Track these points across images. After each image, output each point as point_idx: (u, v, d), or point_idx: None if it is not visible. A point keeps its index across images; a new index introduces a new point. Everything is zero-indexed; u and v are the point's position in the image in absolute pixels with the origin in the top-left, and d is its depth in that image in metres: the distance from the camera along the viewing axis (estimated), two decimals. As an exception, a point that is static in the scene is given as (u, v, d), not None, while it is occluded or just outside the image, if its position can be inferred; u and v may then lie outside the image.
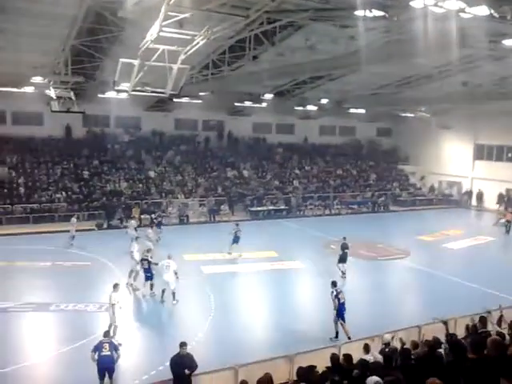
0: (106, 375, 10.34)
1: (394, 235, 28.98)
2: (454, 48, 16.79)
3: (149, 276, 17.04)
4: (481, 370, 4.83)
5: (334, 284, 14.38)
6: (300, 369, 7.60)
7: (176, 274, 16.40)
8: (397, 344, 9.67)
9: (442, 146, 43.19)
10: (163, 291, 16.41)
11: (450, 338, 7.91)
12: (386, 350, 9.02)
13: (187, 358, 9.61)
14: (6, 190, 30.44)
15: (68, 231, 24.38)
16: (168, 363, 9.76)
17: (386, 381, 5.24)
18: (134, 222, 24.59)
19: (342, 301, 13.95)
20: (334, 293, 14.01)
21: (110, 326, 10.84)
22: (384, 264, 22.97)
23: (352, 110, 38.46)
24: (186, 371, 9.36)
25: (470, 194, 42.06)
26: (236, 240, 22.75)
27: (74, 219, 25.15)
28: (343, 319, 13.84)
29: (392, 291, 19.05)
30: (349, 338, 12.94)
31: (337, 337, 13.56)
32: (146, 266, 17.10)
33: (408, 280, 20.91)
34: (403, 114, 41.54)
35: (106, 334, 10.90)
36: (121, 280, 17.62)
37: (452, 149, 42.77)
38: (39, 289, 17.78)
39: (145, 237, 21.89)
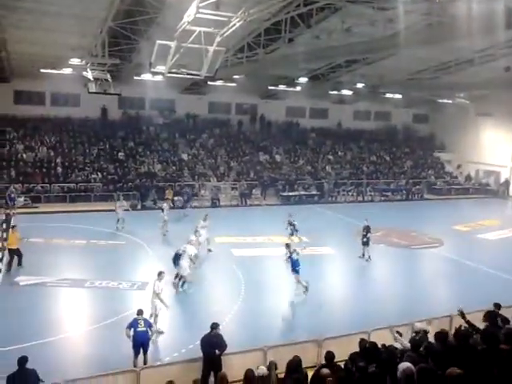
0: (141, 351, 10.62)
1: (428, 224, 28.44)
2: (500, 30, 16.15)
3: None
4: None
5: (287, 246, 16.97)
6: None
7: (192, 260, 16.41)
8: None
9: (480, 133, 41.90)
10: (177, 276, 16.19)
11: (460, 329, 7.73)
12: (417, 338, 8.91)
13: (217, 338, 9.76)
14: (44, 170, 31.33)
15: (109, 211, 24.65)
16: (198, 342, 9.94)
17: (419, 367, 5.19)
18: (166, 205, 24.62)
19: (295, 258, 16.00)
20: (288, 254, 16.37)
21: (139, 311, 11.06)
22: (416, 252, 22.64)
23: (388, 95, 37.76)
24: (217, 351, 9.51)
25: (508, 184, 40.80)
26: (294, 231, 21.92)
27: (119, 202, 24.85)
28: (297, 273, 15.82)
29: (424, 280, 18.76)
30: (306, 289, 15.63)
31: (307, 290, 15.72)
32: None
33: (440, 269, 20.55)
34: (441, 100, 40.52)
35: (140, 311, 11.16)
36: (154, 261, 18.06)
37: (491, 137, 41.41)
38: (75, 266, 18.31)
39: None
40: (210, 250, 20.17)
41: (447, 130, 44.42)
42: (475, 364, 4.87)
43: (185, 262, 16.05)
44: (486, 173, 43.03)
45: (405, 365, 5.35)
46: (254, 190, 33.19)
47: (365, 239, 20.22)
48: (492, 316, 10.46)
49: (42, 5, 18.92)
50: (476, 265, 20.20)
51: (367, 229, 20.24)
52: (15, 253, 17.16)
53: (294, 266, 15.87)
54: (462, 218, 29.32)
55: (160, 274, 13.01)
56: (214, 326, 9.90)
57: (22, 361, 8.10)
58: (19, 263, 17.18)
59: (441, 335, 7.25)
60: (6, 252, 17.51)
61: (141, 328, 10.55)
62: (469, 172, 43.50)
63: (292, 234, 21.65)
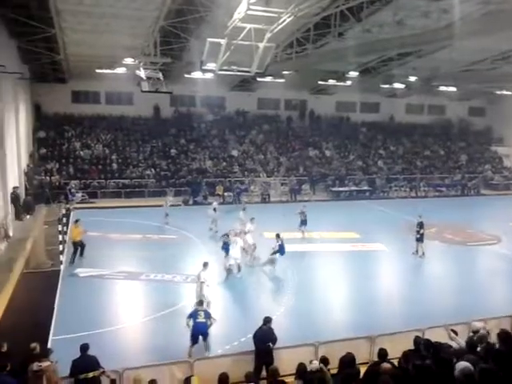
0: (199, 339, 10.90)
1: (485, 220, 27.41)
2: None
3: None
4: None
5: (277, 236, 17.66)
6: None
7: (244, 249, 17.62)
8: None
9: (542, 126, 39.87)
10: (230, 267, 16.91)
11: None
12: (475, 338, 8.65)
13: (269, 332, 9.86)
14: (100, 166, 32.51)
15: (161, 206, 25.12)
16: (249, 335, 10.07)
17: (481, 368, 5.04)
18: (216, 203, 23.99)
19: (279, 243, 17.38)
20: (279, 242, 17.41)
21: (200, 302, 11.34)
22: (473, 249, 21.89)
23: (442, 88, 36.50)
24: (270, 345, 9.61)
25: None
26: (304, 223, 22.26)
27: (169, 197, 25.58)
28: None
29: (481, 278, 18.13)
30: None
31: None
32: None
33: (498, 267, 19.75)
34: (499, 92, 38.76)
35: (200, 303, 11.36)
36: (202, 254, 18.40)
37: (554, 130, 39.33)
38: (131, 259, 18.93)
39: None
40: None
41: (506, 123, 42.57)
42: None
43: (237, 253, 17.11)
44: (547, 168, 40.94)
45: (463, 364, 5.22)
46: (303, 186, 33.08)
47: (418, 235, 19.78)
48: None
49: (99, 8, 19.66)
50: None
51: (421, 225, 19.80)
52: (78, 245, 17.97)
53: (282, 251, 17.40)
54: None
55: (205, 264, 13.61)
56: (267, 320, 10.00)
57: (85, 347, 8.54)
58: (81, 254, 18.05)
59: (504, 335, 7.00)
60: (70, 244, 18.34)
61: (200, 319, 10.82)
62: (529, 167, 41.53)
63: (301, 225, 22.16)
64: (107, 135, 35.12)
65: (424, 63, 30.34)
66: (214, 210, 23.00)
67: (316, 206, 30.63)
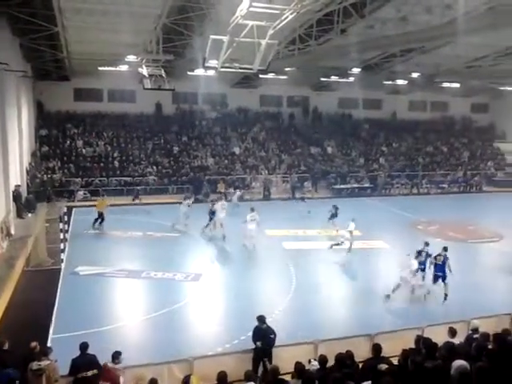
0: None
1: (487, 217, 27.31)
2: None
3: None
4: None
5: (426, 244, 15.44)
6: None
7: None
8: None
9: (546, 122, 39.69)
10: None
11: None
12: (474, 336, 8.64)
13: (267, 331, 9.84)
14: (102, 164, 32.53)
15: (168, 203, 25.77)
16: (250, 334, 10.06)
17: (477, 366, 5.04)
18: (218, 206, 21.93)
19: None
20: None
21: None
22: (474, 247, 21.83)
23: (445, 85, 36.37)
24: (258, 343, 9.58)
25: None
26: (333, 216, 22.81)
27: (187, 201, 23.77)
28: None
29: (482, 276, 18.05)
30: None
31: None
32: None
33: (500, 265, 19.66)
34: (502, 88, 38.58)
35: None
36: (204, 251, 18.40)
37: (558, 126, 39.15)
38: (132, 257, 18.96)
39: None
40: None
41: (509, 119, 42.34)
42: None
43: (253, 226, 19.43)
44: (551, 164, 40.75)
45: (459, 362, 5.21)
46: (305, 183, 32.87)
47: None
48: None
49: (102, 5, 19.63)
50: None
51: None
52: (101, 215, 22.10)
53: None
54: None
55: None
56: (262, 318, 9.97)
57: (84, 346, 8.53)
58: (100, 223, 22.15)
59: (498, 336, 7.00)
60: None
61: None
62: (532, 163, 41.35)
63: (330, 218, 22.60)
64: (109, 133, 35.12)
65: (427, 59, 30.20)
66: (189, 205, 23.38)
67: (318, 203, 30.62)
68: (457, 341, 8.66)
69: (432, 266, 14.96)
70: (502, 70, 32.42)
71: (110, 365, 8.41)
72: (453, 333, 9.05)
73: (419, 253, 15.04)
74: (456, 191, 36.19)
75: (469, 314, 11.26)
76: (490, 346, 6.49)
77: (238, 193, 27.92)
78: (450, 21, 20.17)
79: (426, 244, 15.59)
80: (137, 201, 28.98)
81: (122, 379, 8.43)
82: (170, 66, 28.36)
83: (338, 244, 19.35)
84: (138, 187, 30.44)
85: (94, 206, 23.17)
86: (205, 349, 11.11)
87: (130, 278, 16.46)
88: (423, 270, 14.99)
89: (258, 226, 19.87)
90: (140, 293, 15.59)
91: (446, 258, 14.77)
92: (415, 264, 14.59)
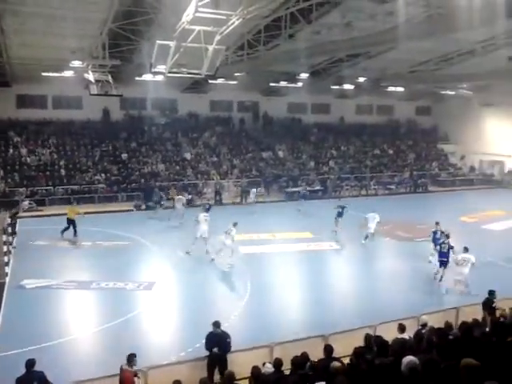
0: None
1: (434, 216, 28.09)
2: (500, 20, 16.04)
3: None
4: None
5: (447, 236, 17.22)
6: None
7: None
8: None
9: (483, 124, 41.78)
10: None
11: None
12: (423, 331, 8.92)
13: (222, 336, 9.77)
14: (48, 173, 31.43)
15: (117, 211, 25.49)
16: (204, 341, 9.96)
17: (423, 361, 5.20)
18: (182, 197, 26.05)
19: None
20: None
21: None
22: (420, 245, 22.55)
23: (390, 89, 37.65)
24: (215, 350, 9.50)
25: (512, 173, 40.71)
26: (340, 215, 23.39)
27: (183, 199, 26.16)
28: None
29: (427, 272, 18.71)
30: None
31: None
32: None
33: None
34: (444, 92, 40.34)
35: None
36: (157, 259, 18.10)
37: (494, 127, 41.28)
38: (80, 267, 18.37)
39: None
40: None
41: (450, 122, 44.28)
42: (479, 356, 4.86)
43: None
44: (490, 163, 42.89)
45: (408, 358, 5.35)
46: (253, 190, 32.03)
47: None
48: (487, 305, 10.62)
49: (43, 8, 19.04)
50: (483, 256, 20.09)
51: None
52: (71, 223, 21.58)
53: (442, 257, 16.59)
54: (468, 210, 29.23)
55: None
56: (217, 323, 9.91)
57: (30, 363, 8.14)
58: (74, 234, 21.64)
59: (441, 330, 7.29)
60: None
61: None
62: (472, 163, 43.38)
63: (337, 217, 23.11)
64: (55, 140, 33.99)
65: (373, 64, 31.13)
66: (183, 204, 24.32)
67: (270, 206, 30.87)
68: (407, 336, 8.97)
69: (437, 253, 16.87)
70: (442, 75, 33.90)
71: (125, 367, 8.55)
72: (402, 329, 9.33)
73: (434, 233, 18.27)
74: (403, 192, 37.37)
75: (418, 309, 11.63)
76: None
77: (183, 198, 26.26)
78: (392, 27, 20.89)
79: (437, 223, 18.62)
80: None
81: (137, 381, 8.56)
82: (118, 72, 27.83)
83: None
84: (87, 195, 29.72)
85: (65, 213, 22.42)
86: (159, 358, 10.91)
87: (79, 290, 15.91)
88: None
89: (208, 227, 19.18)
90: (90, 304, 15.12)
91: (450, 246, 16.34)
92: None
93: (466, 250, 15.89)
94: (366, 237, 21.37)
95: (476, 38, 24.88)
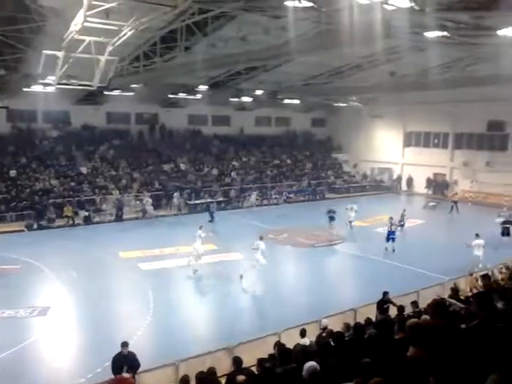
0: None
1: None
2: (380, 39, 17.29)
3: None
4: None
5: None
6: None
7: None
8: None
9: (373, 134, 44.77)
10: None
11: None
12: (323, 334, 9.23)
13: (129, 358, 9.40)
14: None
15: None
16: (107, 364, 9.49)
17: (322, 365, 5.35)
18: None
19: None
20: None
21: None
22: (320, 250, 23.50)
23: (287, 101, 38.91)
24: (125, 373, 9.09)
25: (400, 179, 43.94)
26: (332, 219, 26.01)
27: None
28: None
29: (328, 276, 19.57)
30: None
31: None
32: None
33: (343, 265, 21.59)
34: (336, 104, 42.54)
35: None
36: (54, 283, 17.06)
37: (383, 137, 44.44)
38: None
39: None
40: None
41: (343, 132, 46.90)
42: (371, 355, 5.10)
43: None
44: (380, 170, 46.01)
45: (309, 364, 5.49)
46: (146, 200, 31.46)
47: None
48: (380, 304, 11.31)
49: None
50: (375, 258, 21.43)
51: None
52: None
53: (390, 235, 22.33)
54: (362, 214, 30.92)
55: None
56: (123, 344, 9.52)
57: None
58: None
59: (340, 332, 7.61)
60: None
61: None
62: (365, 170, 46.22)
63: (330, 221, 25.86)
64: None
65: (269, 77, 31.98)
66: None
67: (174, 219, 30.40)
68: (308, 341, 9.22)
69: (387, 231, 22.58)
70: (333, 88, 35.78)
71: (126, 375, 8.78)
72: (302, 334, 9.59)
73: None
74: (302, 200, 38.72)
75: (319, 313, 12.03)
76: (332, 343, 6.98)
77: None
78: (285, 42, 21.63)
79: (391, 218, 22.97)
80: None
81: None
82: (3, 82, 25.90)
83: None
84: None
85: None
86: (66, 380, 10.23)
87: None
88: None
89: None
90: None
91: (398, 225, 23.67)
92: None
93: (477, 236, 19.00)
94: (350, 222, 26.92)
95: (361, 53, 26.56)
